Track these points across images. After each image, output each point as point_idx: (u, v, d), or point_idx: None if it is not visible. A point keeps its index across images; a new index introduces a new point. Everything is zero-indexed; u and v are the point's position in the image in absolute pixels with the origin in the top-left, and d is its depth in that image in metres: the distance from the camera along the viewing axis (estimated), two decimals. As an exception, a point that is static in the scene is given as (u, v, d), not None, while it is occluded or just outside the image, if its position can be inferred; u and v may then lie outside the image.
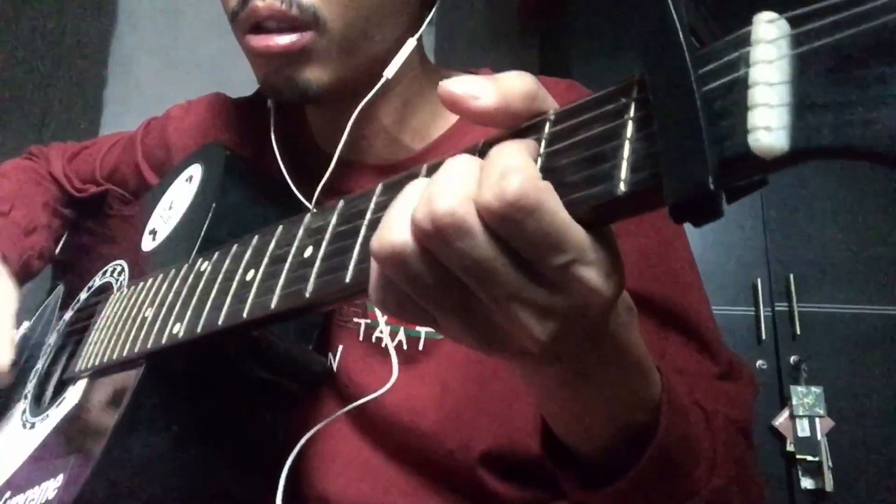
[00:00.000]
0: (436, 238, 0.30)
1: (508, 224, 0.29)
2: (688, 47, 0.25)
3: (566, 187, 0.28)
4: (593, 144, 0.28)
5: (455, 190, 0.30)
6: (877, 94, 0.20)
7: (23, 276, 0.84)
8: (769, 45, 0.23)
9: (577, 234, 0.29)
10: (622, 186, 0.26)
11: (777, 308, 1.88)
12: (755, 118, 0.22)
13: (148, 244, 0.71)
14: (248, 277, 0.48)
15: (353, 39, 0.61)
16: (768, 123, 0.22)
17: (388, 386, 0.60)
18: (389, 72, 0.65)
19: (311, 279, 0.40)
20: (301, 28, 0.59)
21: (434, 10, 0.70)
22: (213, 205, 0.64)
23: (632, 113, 0.27)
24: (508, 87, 0.33)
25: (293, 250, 0.44)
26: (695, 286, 0.66)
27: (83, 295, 0.80)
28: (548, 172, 0.30)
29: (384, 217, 0.32)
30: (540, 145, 0.31)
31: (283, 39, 0.59)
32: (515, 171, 0.28)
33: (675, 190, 0.23)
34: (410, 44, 0.66)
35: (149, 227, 0.73)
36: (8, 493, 0.61)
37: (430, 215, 0.29)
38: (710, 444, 0.48)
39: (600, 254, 0.30)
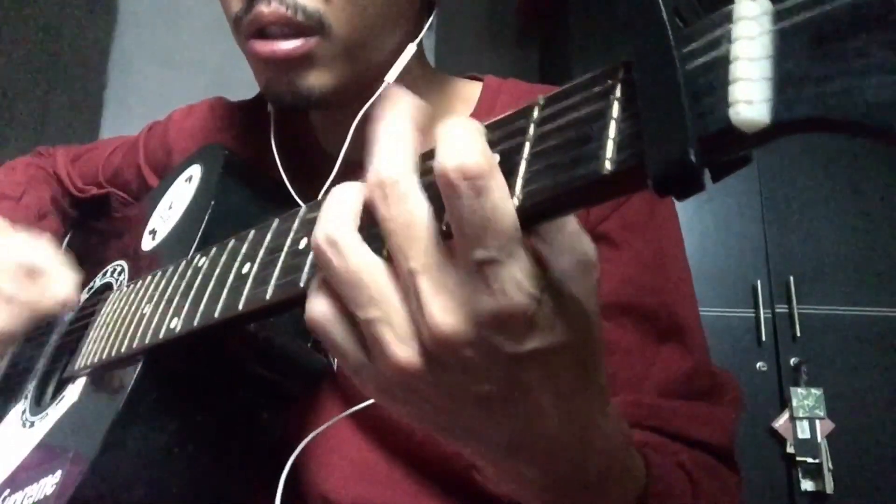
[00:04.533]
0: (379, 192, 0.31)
1: (455, 193, 0.29)
2: (671, 27, 0.25)
3: (555, 169, 0.29)
4: (580, 126, 0.29)
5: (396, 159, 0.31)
6: (856, 67, 0.21)
7: None
8: (751, 21, 0.23)
9: (512, 228, 0.29)
10: (607, 165, 0.26)
11: (777, 310, 1.88)
12: (736, 92, 0.23)
13: (148, 244, 0.72)
14: (245, 270, 0.48)
15: (356, 45, 0.62)
16: (749, 97, 0.22)
17: None
18: (391, 77, 0.65)
19: (306, 269, 0.40)
20: (305, 33, 0.59)
21: (433, 15, 0.71)
22: (212, 203, 0.64)
23: (618, 94, 0.28)
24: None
25: (288, 241, 0.44)
26: (690, 300, 0.66)
27: (84, 295, 0.80)
28: (537, 156, 0.30)
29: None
30: (528, 130, 0.31)
31: (288, 45, 0.59)
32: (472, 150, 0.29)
33: (658, 164, 0.24)
34: (411, 49, 0.67)
35: (149, 228, 0.73)
36: (7, 491, 0.62)
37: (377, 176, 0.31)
38: None
39: (530, 262, 0.29)
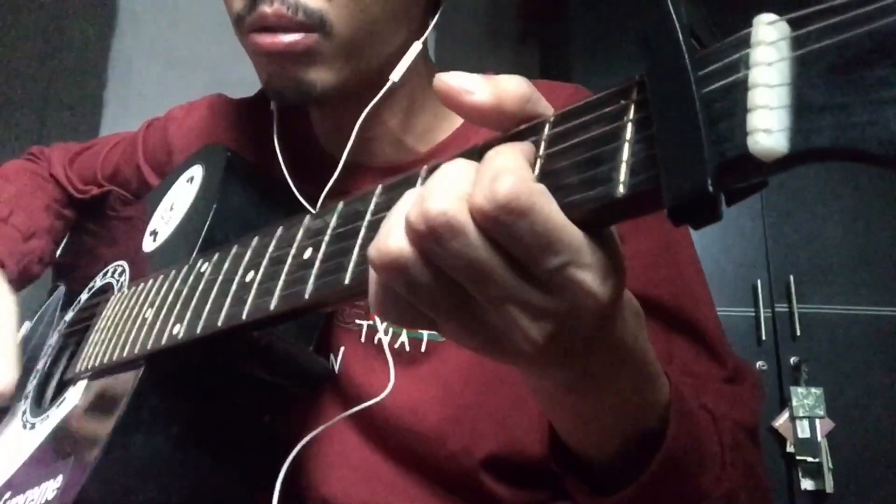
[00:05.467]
0: (429, 238, 0.30)
1: (500, 226, 0.28)
2: (688, 49, 0.25)
3: (565, 189, 0.28)
4: (592, 146, 0.28)
5: (447, 190, 0.30)
6: (877, 97, 0.20)
7: (22, 280, 0.84)
8: (769, 46, 0.23)
9: (572, 236, 0.29)
10: (621, 189, 0.26)
11: (777, 309, 1.88)
12: (754, 120, 0.22)
13: (149, 245, 0.71)
14: (248, 279, 0.48)
15: (359, 44, 0.61)
16: (768, 126, 0.22)
17: (385, 392, 0.60)
18: (396, 75, 0.65)
19: (311, 281, 0.40)
20: (307, 30, 0.59)
21: (438, 13, 0.70)
22: (214, 206, 0.64)
23: (631, 115, 0.27)
24: (503, 87, 0.33)
25: (293, 252, 0.44)
26: (700, 289, 0.65)
27: (84, 296, 0.80)
28: (547, 175, 0.30)
29: (381, 226, 0.32)
30: (539, 147, 0.31)
31: (289, 37, 0.59)
32: (507, 172, 0.28)
33: (674, 192, 0.23)
34: (416, 47, 0.66)
35: (150, 228, 0.73)
36: (8, 494, 0.61)
37: (423, 216, 0.29)
38: (719, 449, 0.48)
39: (597, 257, 0.30)
